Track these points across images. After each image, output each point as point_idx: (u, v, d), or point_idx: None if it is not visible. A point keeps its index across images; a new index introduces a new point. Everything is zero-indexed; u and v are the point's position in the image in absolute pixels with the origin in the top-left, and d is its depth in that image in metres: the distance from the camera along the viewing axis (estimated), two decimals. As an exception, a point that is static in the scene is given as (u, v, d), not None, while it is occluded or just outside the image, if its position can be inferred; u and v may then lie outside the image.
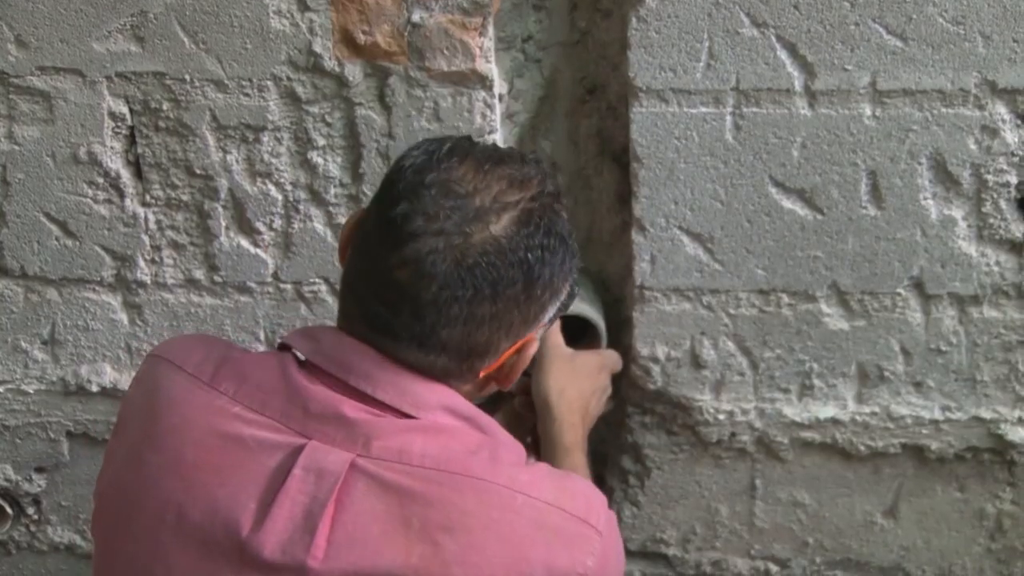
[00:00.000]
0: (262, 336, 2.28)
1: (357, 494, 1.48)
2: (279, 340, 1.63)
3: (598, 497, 1.60)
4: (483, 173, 1.51)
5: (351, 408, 1.51)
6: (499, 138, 2.10)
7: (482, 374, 1.56)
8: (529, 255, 1.50)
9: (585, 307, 2.16)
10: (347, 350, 1.54)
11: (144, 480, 1.55)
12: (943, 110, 1.99)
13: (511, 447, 1.61)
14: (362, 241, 1.55)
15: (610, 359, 2.14)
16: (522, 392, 2.07)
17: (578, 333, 2.15)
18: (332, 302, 2.23)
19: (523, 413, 2.07)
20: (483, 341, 1.52)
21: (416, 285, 1.47)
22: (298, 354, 1.57)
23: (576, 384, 2.01)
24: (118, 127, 2.17)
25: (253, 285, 2.25)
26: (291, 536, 1.47)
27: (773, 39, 1.98)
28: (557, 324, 2.07)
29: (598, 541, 1.54)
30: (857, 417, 2.21)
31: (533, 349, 1.59)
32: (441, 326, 1.49)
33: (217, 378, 1.57)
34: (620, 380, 2.22)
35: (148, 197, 2.21)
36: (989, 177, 2.03)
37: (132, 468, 1.58)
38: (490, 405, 2.24)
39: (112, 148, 2.18)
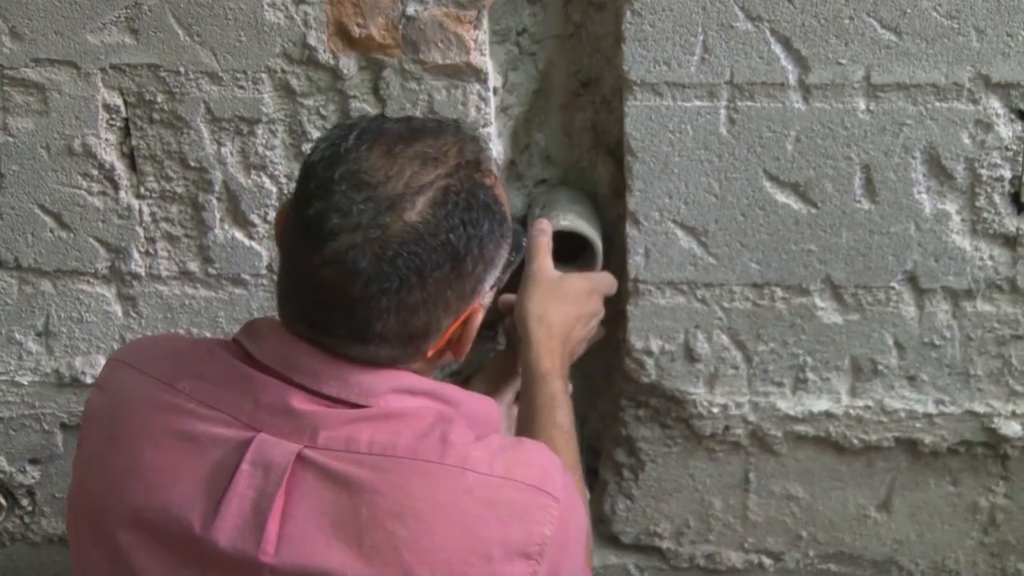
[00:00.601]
0: (256, 328, 2.28)
1: (306, 486, 1.47)
2: (233, 336, 1.61)
3: (552, 462, 1.57)
4: (393, 157, 1.49)
5: (300, 400, 1.50)
6: (493, 131, 2.10)
7: (430, 353, 1.55)
8: (451, 236, 1.48)
9: (581, 223, 2.12)
10: (291, 350, 1.53)
11: (107, 483, 1.56)
12: (937, 104, 1.99)
13: (475, 418, 1.58)
14: (287, 240, 1.54)
15: (601, 281, 2.08)
16: (509, 312, 2.04)
17: (574, 252, 2.12)
18: (326, 295, 2.23)
19: (511, 334, 2.05)
20: (421, 325, 1.50)
21: (342, 283, 1.46)
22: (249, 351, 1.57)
23: (559, 308, 1.96)
24: (112, 119, 2.17)
25: (247, 277, 2.25)
26: (241, 531, 1.47)
27: (767, 33, 1.98)
28: (545, 244, 2.03)
29: (555, 508, 1.52)
30: (851, 411, 2.21)
31: (479, 318, 1.57)
32: (375, 319, 1.47)
33: (174, 376, 1.57)
34: (614, 371, 2.22)
35: (142, 189, 2.21)
36: (983, 171, 2.03)
37: (96, 472, 1.58)
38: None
39: (106, 140, 2.18)
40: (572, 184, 2.24)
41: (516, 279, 2.01)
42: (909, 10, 1.94)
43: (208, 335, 2.29)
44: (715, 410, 2.24)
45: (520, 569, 1.49)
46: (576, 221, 2.11)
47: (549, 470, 1.55)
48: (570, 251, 2.10)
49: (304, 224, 1.48)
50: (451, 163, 1.51)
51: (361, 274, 1.45)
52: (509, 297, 2.05)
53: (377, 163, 1.48)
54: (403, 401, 1.53)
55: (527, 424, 1.87)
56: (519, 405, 1.96)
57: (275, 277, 2.21)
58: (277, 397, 1.51)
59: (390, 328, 1.49)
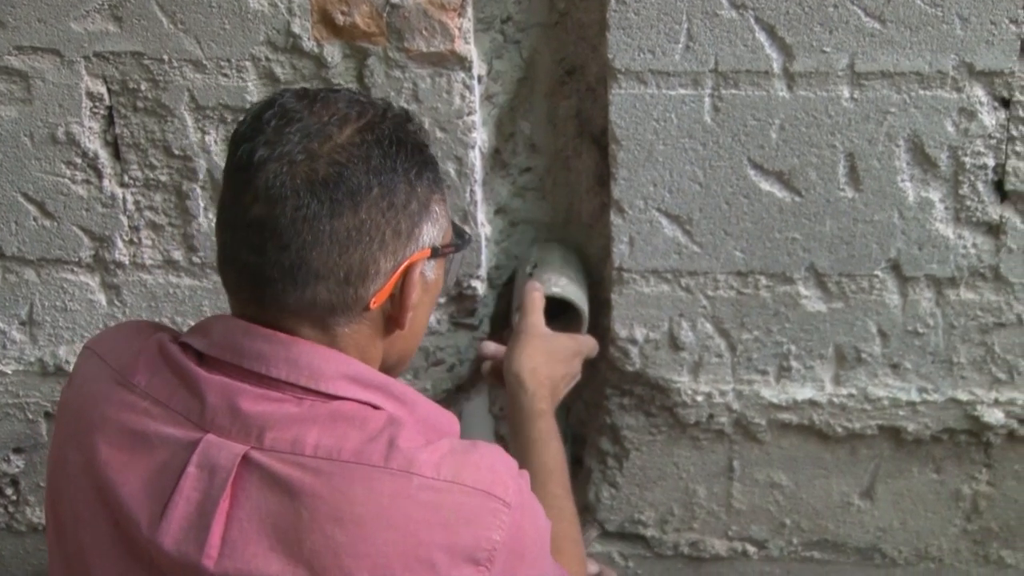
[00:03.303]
0: (241, 317, 2.27)
1: (252, 489, 1.45)
2: (179, 338, 1.60)
3: (506, 465, 1.52)
4: (319, 100, 1.49)
5: (248, 398, 1.48)
6: (478, 119, 2.10)
7: (372, 303, 1.49)
8: (380, 160, 1.46)
9: (572, 290, 2.15)
10: (237, 334, 1.50)
11: (67, 480, 1.55)
12: (921, 92, 2.00)
13: (429, 423, 1.55)
14: (222, 209, 1.52)
15: (587, 345, 2.12)
16: (490, 364, 2.07)
17: (558, 310, 2.15)
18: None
19: (491, 382, 2.06)
20: (358, 261, 1.46)
21: (272, 213, 1.43)
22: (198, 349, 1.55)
23: (549, 366, 1.99)
24: (96, 107, 2.16)
25: (232, 266, 2.24)
26: (186, 535, 1.45)
27: (752, 21, 1.98)
28: (538, 301, 2.06)
29: (506, 513, 1.47)
30: (834, 399, 2.22)
31: (418, 272, 1.53)
32: (307, 249, 1.44)
33: (132, 370, 1.55)
34: (599, 361, 2.23)
35: (126, 178, 2.20)
36: (966, 159, 2.03)
37: (59, 467, 1.57)
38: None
39: (90, 128, 2.17)
40: (564, 241, 2.28)
41: (502, 330, 2.13)
42: (893, -2, 1.95)
43: (192, 324, 2.28)
44: (699, 398, 2.25)
45: (468, 574, 1.45)
46: (568, 288, 2.15)
47: (501, 474, 1.50)
48: (557, 305, 2.13)
49: (233, 167, 1.47)
50: (378, 108, 1.51)
51: (289, 198, 1.43)
52: (489, 345, 2.11)
53: (304, 104, 1.48)
54: (354, 392, 1.50)
55: (521, 453, 1.87)
56: (511, 444, 1.95)
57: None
58: (224, 397, 1.48)
59: (323, 260, 1.45)
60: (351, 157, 1.45)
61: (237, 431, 1.47)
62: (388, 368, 1.59)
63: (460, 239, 1.60)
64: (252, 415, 1.47)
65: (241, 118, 1.52)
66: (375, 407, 1.51)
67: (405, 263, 1.51)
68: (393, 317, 1.54)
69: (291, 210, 1.43)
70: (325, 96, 1.50)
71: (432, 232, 1.53)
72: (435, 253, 1.54)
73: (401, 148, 1.48)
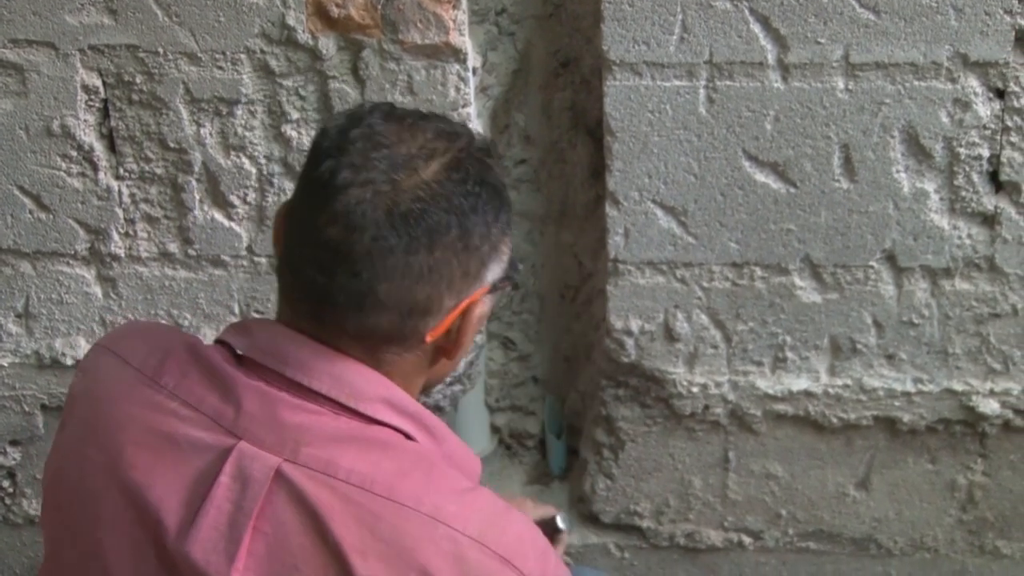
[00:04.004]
0: (236, 310, 2.28)
1: (279, 503, 1.43)
2: (216, 337, 1.59)
3: (534, 541, 1.50)
4: (408, 127, 1.47)
5: (286, 408, 1.46)
6: (472, 111, 2.10)
7: (428, 338, 1.49)
8: (463, 200, 1.44)
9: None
10: (282, 340, 1.49)
11: (84, 477, 1.52)
12: (916, 83, 2.00)
13: (458, 461, 1.54)
14: (293, 214, 1.50)
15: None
16: None
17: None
18: (306, 275, 2.23)
19: None
20: (424, 297, 1.45)
21: (348, 239, 1.41)
22: (236, 349, 1.52)
23: None
24: (91, 100, 2.16)
25: (227, 259, 2.25)
26: (215, 546, 1.43)
27: (746, 12, 1.98)
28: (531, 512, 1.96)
29: None
30: (830, 389, 2.22)
31: (479, 311, 1.52)
32: (379, 280, 1.43)
33: (160, 372, 1.53)
34: (594, 350, 2.23)
35: (122, 170, 2.20)
36: (961, 150, 2.04)
37: (74, 463, 1.55)
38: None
39: (85, 121, 2.17)
40: None
41: None
42: (887, -11, 1.95)
43: (188, 316, 2.29)
44: (695, 389, 2.25)
45: None
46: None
47: (526, 547, 1.48)
48: None
49: (313, 183, 1.45)
50: (464, 142, 1.49)
51: (368, 228, 1.41)
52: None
53: (392, 128, 1.46)
54: (389, 417, 1.49)
55: None
56: None
57: (254, 259, 2.22)
58: (260, 404, 1.47)
59: (393, 294, 1.44)
60: (434, 195, 1.43)
61: (272, 441, 1.45)
62: (425, 387, 1.59)
63: (514, 271, 1.60)
64: (290, 426, 1.45)
65: (326, 126, 1.49)
66: (407, 436, 1.50)
67: (466, 302, 1.50)
68: (444, 349, 1.53)
69: (368, 240, 1.41)
70: (414, 123, 1.48)
71: (495, 271, 1.52)
72: (492, 289, 1.53)
73: (483, 190, 1.47)
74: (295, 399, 1.47)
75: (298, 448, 1.44)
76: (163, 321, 2.29)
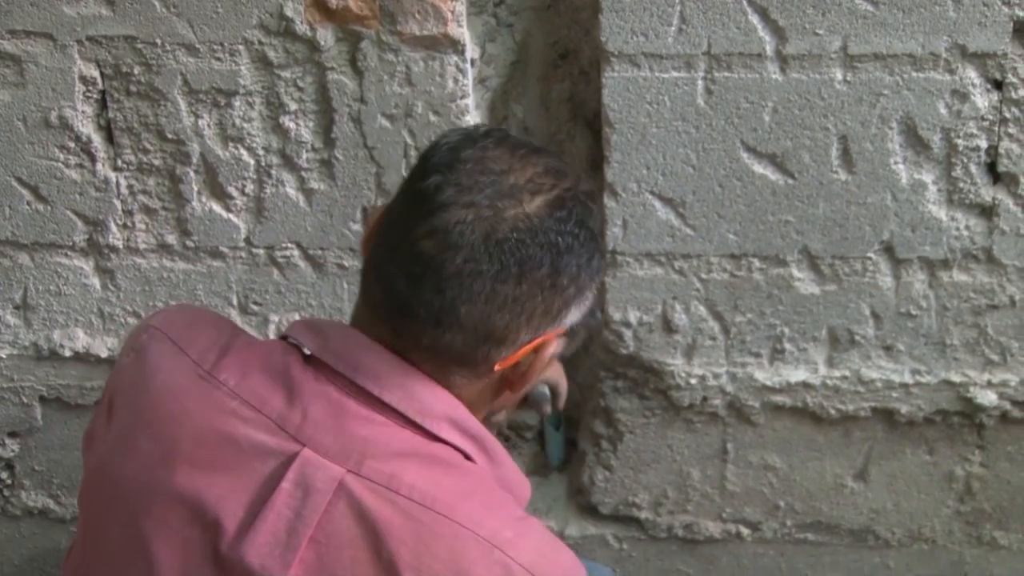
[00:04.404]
0: (235, 301, 2.28)
1: (337, 513, 1.43)
2: (283, 332, 1.58)
3: (579, 573, 1.52)
4: (519, 157, 1.48)
5: (354, 418, 1.46)
6: (471, 103, 2.10)
7: (497, 367, 1.50)
8: (559, 239, 1.45)
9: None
10: (356, 347, 1.49)
11: (137, 467, 1.51)
12: (914, 74, 2.00)
13: (512, 486, 1.56)
14: (389, 220, 1.50)
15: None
16: None
17: None
18: (304, 267, 2.23)
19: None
20: (502, 326, 1.46)
21: (441, 256, 1.42)
22: (304, 349, 1.52)
23: None
24: (89, 91, 2.16)
25: (225, 250, 2.25)
26: (271, 551, 1.43)
27: (744, 3, 1.98)
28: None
29: None
30: (828, 381, 2.22)
31: (550, 351, 1.53)
32: (462, 301, 1.43)
33: (219, 367, 1.52)
34: (592, 342, 2.23)
35: (120, 162, 2.20)
36: (959, 141, 2.04)
37: (125, 451, 1.53)
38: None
39: (83, 112, 2.17)
40: None
41: None
42: (885, -20, 1.95)
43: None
44: (693, 381, 2.25)
45: None
46: None
47: None
48: None
49: (416, 194, 1.45)
50: (571, 182, 1.50)
51: (463, 249, 1.42)
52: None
53: (504, 156, 1.47)
54: (453, 437, 1.49)
55: None
56: None
57: (253, 250, 2.22)
58: (328, 412, 1.47)
59: (473, 316, 1.44)
60: (533, 229, 1.44)
61: (337, 451, 1.45)
62: (486, 417, 1.60)
63: (592, 319, 1.59)
64: (356, 437, 1.45)
65: (439, 141, 1.50)
66: (467, 456, 1.51)
67: (540, 339, 1.50)
68: (510, 381, 1.54)
69: (460, 260, 1.42)
70: (526, 155, 1.49)
71: (575, 315, 1.53)
72: (568, 332, 1.54)
73: (582, 232, 1.48)
74: (363, 409, 1.47)
75: (362, 460, 1.44)
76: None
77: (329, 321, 1.57)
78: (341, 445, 1.45)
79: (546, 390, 1.94)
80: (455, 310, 1.44)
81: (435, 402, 1.49)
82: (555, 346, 1.53)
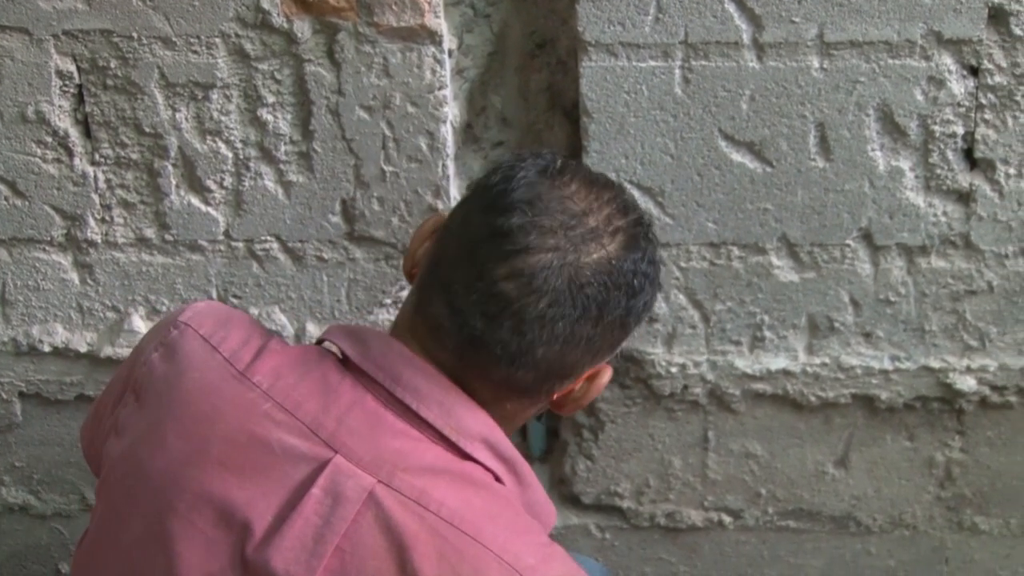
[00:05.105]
0: (214, 295, 2.27)
1: (364, 523, 1.43)
2: (321, 335, 1.57)
3: None
4: (594, 194, 1.50)
5: (389, 430, 1.47)
6: (449, 94, 2.10)
7: (556, 395, 1.53)
8: (635, 280, 1.48)
9: None
10: (398, 359, 1.49)
11: (165, 464, 1.50)
12: (890, 61, 2.01)
13: (538, 511, 1.57)
14: (458, 246, 1.50)
15: None
16: None
17: None
18: (283, 260, 2.23)
19: None
20: (572, 363, 1.49)
21: (524, 300, 1.43)
22: (342, 353, 1.53)
23: None
24: (66, 86, 2.15)
25: (204, 243, 2.24)
26: (297, 557, 1.43)
27: (721, -8, 1.99)
28: None
29: None
30: (808, 368, 2.23)
31: (606, 378, 1.56)
32: (541, 343, 1.45)
33: (253, 369, 1.52)
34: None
35: (97, 156, 2.20)
36: (936, 128, 2.04)
37: (152, 447, 1.52)
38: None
39: (60, 107, 2.17)
40: None
41: None
42: (861, -32, 1.95)
43: (166, 302, 2.28)
44: (673, 370, 2.25)
45: None
46: None
47: None
48: None
49: (497, 232, 1.46)
50: (637, 215, 1.53)
51: (547, 294, 1.43)
52: None
53: (580, 193, 1.49)
54: (485, 458, 1.50)
55: None
56: None
57: (232, 244, 2.21)
58: (364, 421, 1.47)
59: (549, 357, 1.46)
60: (613, 272, 1.46)
61: (369, 461, 1.45)
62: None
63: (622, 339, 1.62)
64: (390, 449, 1.45)
65: (511, 173, 1.50)
66: (497, 478, 1.52)
67: (596, 369, 1.54)
68: (558, 404, 1.57)
69: (544, 305, 1.44)
70: (600, 191, 1.51)
71: (626, 341, 1.57)
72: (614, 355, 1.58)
73: (650, 269, 1.51)
74: (399, 422, 1.48)
75: (394, 472, 1.45)
76: (141, 307, 2.29)
77: (370, 329, 1.57)
78: (374, 455, 1.45)
79: None
80: (533, 352, 1.46)
81: (472, 421, 1.49)
82: (608, 373, 1.57)
